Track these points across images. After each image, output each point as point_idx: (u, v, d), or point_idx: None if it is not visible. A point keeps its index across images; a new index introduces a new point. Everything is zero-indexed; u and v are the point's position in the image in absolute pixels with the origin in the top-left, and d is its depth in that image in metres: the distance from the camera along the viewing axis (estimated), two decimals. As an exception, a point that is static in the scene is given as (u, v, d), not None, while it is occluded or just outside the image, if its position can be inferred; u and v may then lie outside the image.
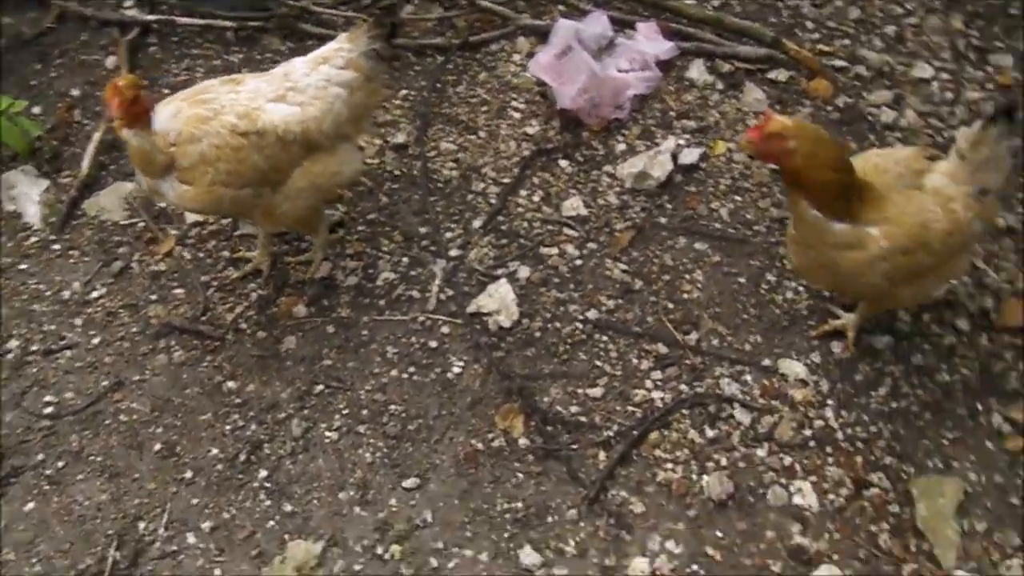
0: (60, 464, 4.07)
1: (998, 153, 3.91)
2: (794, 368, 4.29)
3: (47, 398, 4.23)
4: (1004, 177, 4.01)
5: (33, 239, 4.73)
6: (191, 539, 3.91)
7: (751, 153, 4.13)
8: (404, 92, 5.22)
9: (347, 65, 4.14)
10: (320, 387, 4.26)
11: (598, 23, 5.26)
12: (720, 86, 5.18)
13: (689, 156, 4.87)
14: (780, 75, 5.21)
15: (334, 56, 4.16)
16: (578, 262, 4.58)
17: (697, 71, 5.21)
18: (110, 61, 5.34)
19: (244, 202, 4.09)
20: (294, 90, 4.10)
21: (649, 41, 5.24)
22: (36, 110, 5.15)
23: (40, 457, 4.08)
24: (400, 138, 5.01)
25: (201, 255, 4.67)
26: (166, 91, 5.09)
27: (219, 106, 3.97)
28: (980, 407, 4.22)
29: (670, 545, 3.87)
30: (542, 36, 5.30)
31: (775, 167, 4.15)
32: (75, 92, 5.25)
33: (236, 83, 4.11)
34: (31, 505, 3.99)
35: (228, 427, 4.16)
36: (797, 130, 3.70)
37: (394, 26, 4.24)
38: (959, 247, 3.99)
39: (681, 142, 4.94)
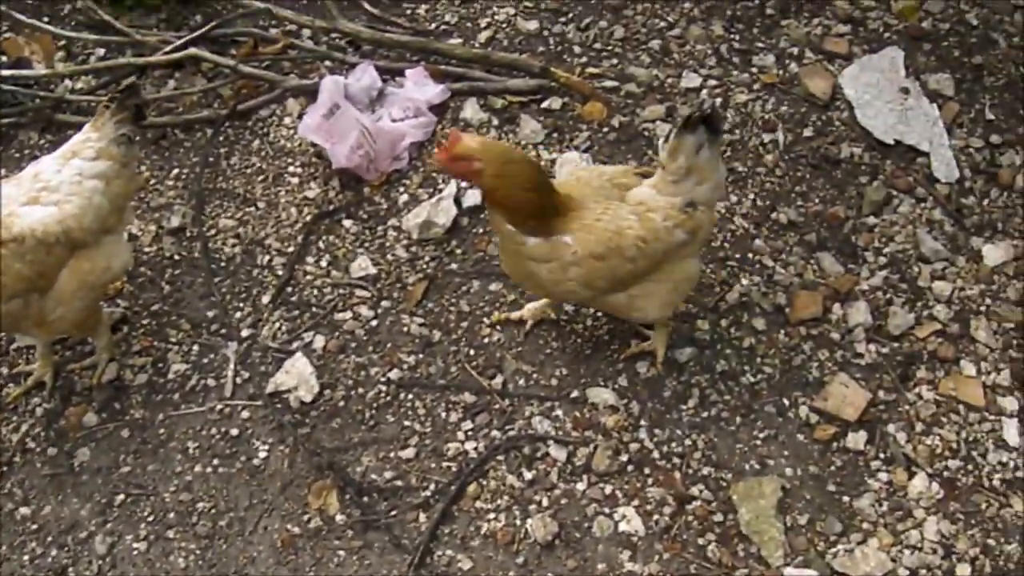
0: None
1: (699, 164, 3.90)
2: (603, 395, 4.30)
3: None
4: (714, 189, 4.01)
5: None
6: None
7: (442, 169, 4.08)
8: (176, 171, 5.06)
9: (98, 155, 3.98)
10: (121, 497, 4.07)
11: (366, 75, 5.20)
12: (496, 122, 5.18)
13: (472, 198, 4.84)
14: (554, 103, 5.24)
15: (82, 148, 4.00)
16: (374, 323, 4.50)
17: (471, 110, 5.20)
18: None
19: (14, 314, 3.88)
20: (47, 190, 3.91)
21: (419, 87, 5.20)
22: None
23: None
24: (175, 221, 4.84)
25: (-22, 376, 4.42)
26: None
27: None
28: (787, 402, 4.31)
29: (504, 600, 3.82)
30: (311, 95, 5.21)
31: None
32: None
33: None
34: None
35: (26, 558, 3.94)
36: (483, 151, 3.69)
37: (138, 107, 4.10)
38: (659, 257, 3.97)
39: (463, 185, 4.91)
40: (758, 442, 4.21)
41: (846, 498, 4.05)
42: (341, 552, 3.94)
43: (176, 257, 4.71)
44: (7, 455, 4.17)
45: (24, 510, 4.04)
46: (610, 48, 5.52)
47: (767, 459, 4.16)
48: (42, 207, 3.86)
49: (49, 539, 3.97)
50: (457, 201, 4.82)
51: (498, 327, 4.47)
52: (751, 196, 4.92)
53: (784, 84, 5.34)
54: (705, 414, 4.28)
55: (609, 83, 5.34)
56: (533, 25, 5.57)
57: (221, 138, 5.17)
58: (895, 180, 4.94)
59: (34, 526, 4.00)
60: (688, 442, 4.20)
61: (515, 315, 4.50)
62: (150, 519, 4.01)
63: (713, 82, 5.37)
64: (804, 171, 4.98)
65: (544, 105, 5.24)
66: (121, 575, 3.89)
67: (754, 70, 5.42)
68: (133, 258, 4.27)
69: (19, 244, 3.78)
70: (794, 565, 3.91)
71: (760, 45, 5.55)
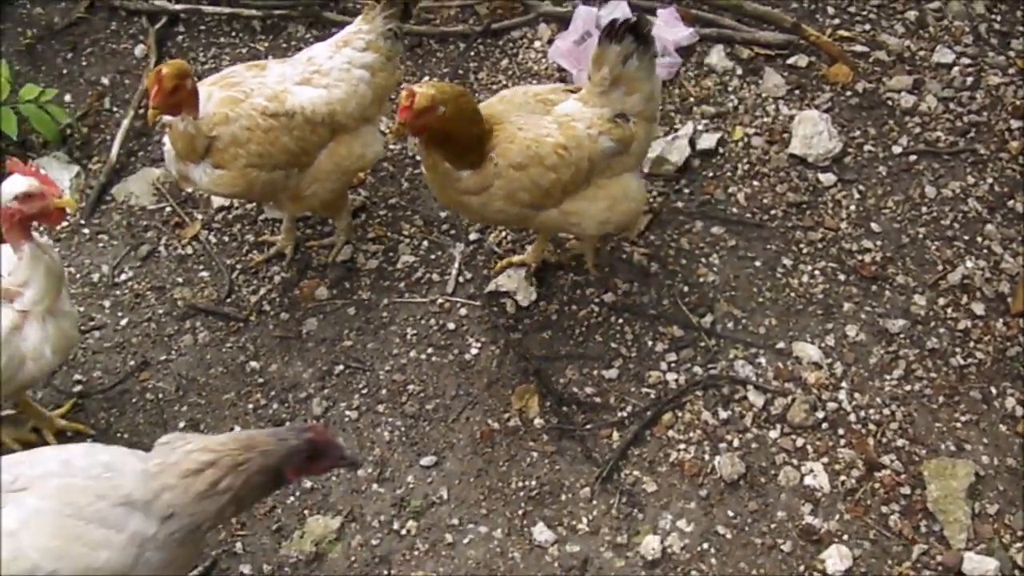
0: (89, 441, 4.20)
1: (626, 74, 3.83)
2: (808, 351, 4.33)
3: (76, 377, 4.37)
4: (647, 101, 3.95)
5: (63, 223, 4.85)
6: (214, 514, 4.02)
7: (406, 134, 3.98)
8: (426, 79, 5.29)
9: (367, 47, 4.23)
10: (340, 367, 4.36)
11: (618, 9, 5.30)
12: (739, 72, 5.21)
13: (707, 141, 4.92)
14: (800, 61, 5.23)
15: (354, 39, 4.25)
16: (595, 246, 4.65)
17: (717, 57, 5.24)
18: (139, 50, 5.45)
19: (274, 185, 4.19)
20: (319, 73, 4.19)
21: (669, 27, 5.27)
22: (67, 98, 5.27)
23: (69, 435, 4.20)
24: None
25: (226, 239, 4.78)
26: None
27: (248, 89, 4.07)
28: (994, 391, 4.24)
29: (681, 524, 3.93)
30: (563, 22, 5.36)
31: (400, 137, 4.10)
32: (105, 81, 5.37)
33: (261, 68, 4.21)
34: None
35: (251, 405, 4.27)
36: (443, 96, 3.67)
37: (406, 5, 4.31)
38: (584, 166, 3.91)
39: (699, 127, 4.98)
40: (958, 425, 4.16)
41: (1041, 497, 3.99)
42: (534, 453, 4.12)
43: (417, 158, 4.95)
44: (244, 313, 4.52)
45: (254, 364, 4.39)
46: (864, 13, 5.45)
47: (964, 443, 4.11)
48: (312, 88, 4.15)
49: (272, 393, 4.30)
50: (692, 142, 4.89)
51: (508, 273, 4.51)
52: (989, 181, 4.82)
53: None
54: (908, 388, 4.25)
55: (859, 48, 5.30)
56: (790, -19, 5.56)
57: (472, 53, 5.38)
58: None
59: (260, 380, 4.34)
60: (887, 411, 4.19)
61: (516, 259, 4.52)
62: (364, 391, 4.29)
63: (966, 60, 5.26)
64: (1050, 164, 4.85)
65: (790, 61, 5.24)
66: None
67: (1012, 53, 5.28)
68: (384, 151, 4.51)
69: (289, 119, 4.07)
70: (976, 551, 3.87)
71: (1021, 29, 5.38)
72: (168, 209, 4.89)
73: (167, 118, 3.99)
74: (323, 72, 4.18)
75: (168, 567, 3.01)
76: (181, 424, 4.22)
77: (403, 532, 3.95)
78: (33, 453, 3.11)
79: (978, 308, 4.44)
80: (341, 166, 4.25)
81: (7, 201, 3.47)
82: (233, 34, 5.52)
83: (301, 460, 2.99)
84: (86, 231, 4.84)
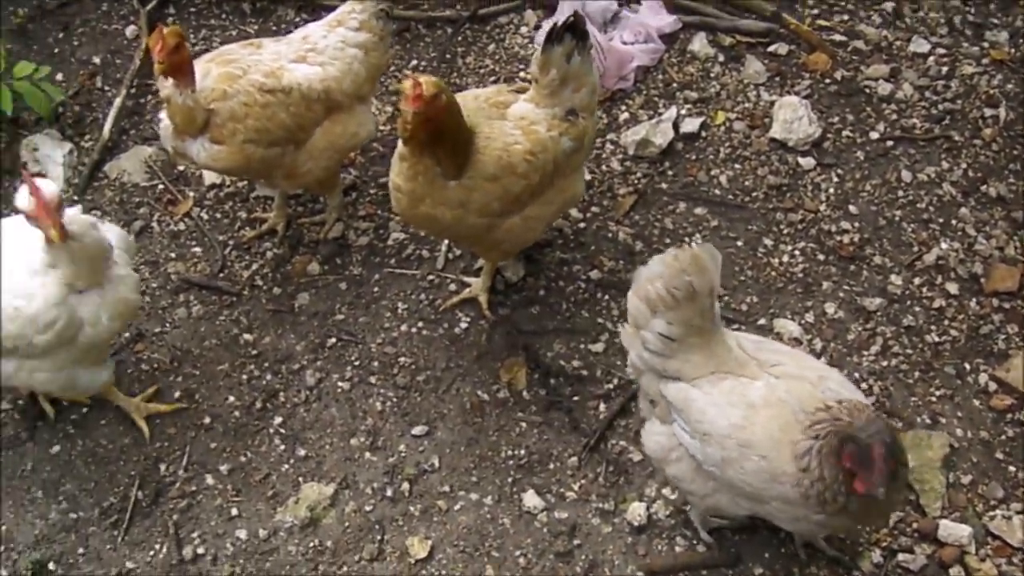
0: (84, 409, 4.26)
1: (572, 71, 3.95)
2: (788, 327, 4.45)
3: (72, 348, 4.42)
4: (592, 93, 4.07)
5: (57, 199, 4.91)
6: (209, 480, 4.11)
7: (419, 122, 3.66)
8: (414, 63, 5.39)
9: (360, 27, 4.33)
10: (333, 340, 4.45)
11: (603, -6, 5.42)
12: (721, 59, 5.33)
13: (690, 125, 5.04)
14: (780, 49, 5.36)
15: (347, 19, 4.34)
16: (582, 225, 4.75)
17: (699, 44, 5.36)
18: (130, 31, 5.51)
19: (270, 161, 4.27)
20: (314, 51, 4.28)
21: (653, 13, 5.39)
22: (59, 77, 5.32)
23: (64, 403, 4.27)
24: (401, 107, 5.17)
25: (218, 216, 4.86)
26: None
27: (245, 66, 4.15)
28: (968, 367, 4.38)
29: (666, 491, 4.05)
30: (549, 9, 5.46)
31: (413, 132, 3.71)
32: (96, 60, 5.42)
33: (256, 46, 4.29)
34: (57, 448, 4.19)
35: (244, 376, 4.35)
36: (440, 84, 3.68)
37: None
38: (550, 168, 4.02)
39: (683, 112, 5.10)
40: (933, 399, 4.29)
41: (1012, 468, 4.11)
42: (523, 424, 4.23)
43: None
44: (237, 287, 4.60)
45: (247, 336, 4.47)
46: (843, 4, 5.59)
47: (939, 416, 4.25)
48: (308, 66, 4.23)
49: (266, 365, 4.38)
50: (675, 125, 5.02)
51: (443, 308, 4.53)
52: (963, 166, 4.96)
53: (1014, 63, 5.33)
54: (885, 363, 4.38)
55: (838, 37, 5.43)
56: (770, -28, 5.68)
57: (459, 38, 5.48)
58: (1116, 170, 4.91)
59: (254, 351, 4.42)
60: (864, 386, 4.31)
61: (465, 294, 4.51)
62: (356, 363, 4.38)
63: (941, 51, 5.40)
64: (1022, 151, 4.98)
65: (771, 49, 5.37)
66: (324, 406, 4.27)
67: (985, 45, 5.43)
68: (376, 130, 4.60)
69: (286, 95, 4.16)
70: (950, 519, 4.00)
71: (995, 21, 5.54)
72: (160, 186, 4.96)
73: (165, 92, 4.06)
74: (318, 50, 4.27)
75: None
76: (176, 394, 4.29)
77: (396, 498, 4.04)
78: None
79: (952, 288, 4.57)
80: (335, 144, 4.33)
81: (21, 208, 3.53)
82: (223, 16, 5.59)
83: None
84: (79, 207, 4.88)
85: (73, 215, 3.62)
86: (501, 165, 3.90)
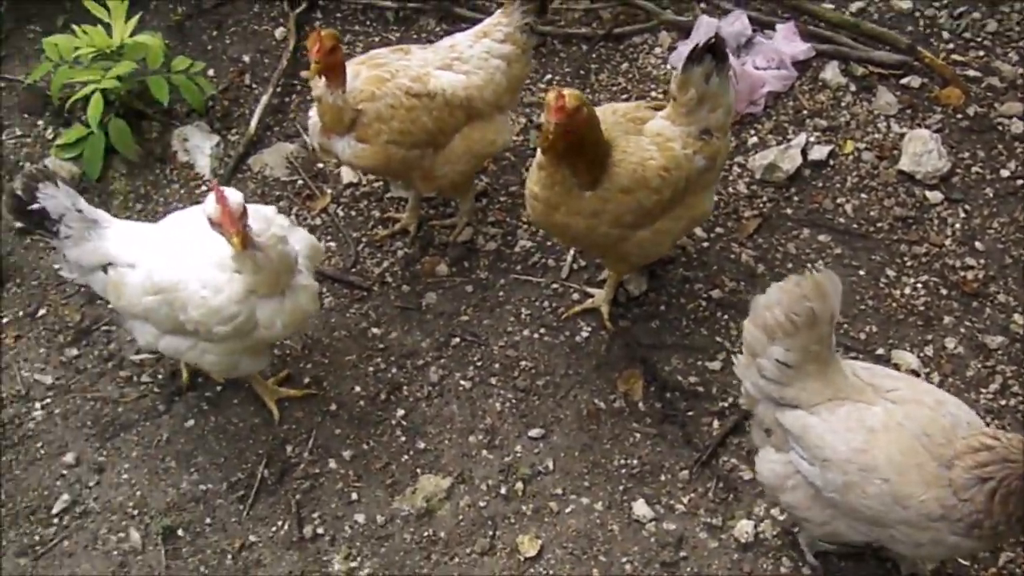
0: (219, 388, 4.48)
1: (709, 92, 4.02)
2: (907, 359, 4.46)
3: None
4: (727, 115, 4.14)
5: (203, 188, 5.17)
6: (332, 464, 4.29)
7: (559, 133, 3.77)
8: (549, 77, 5.52)
9: (505, 39, 4.48)
10: (457, 340, 4.60)
11: (739, 21, 5.49)
12: (853, 88, 5.36)
13: (818, 152, 5.08)
14: (913, 81, 5.36)
15: (493, 31, 4.50)
16: (705, 244, 4.83)
17: (831, 72, 5.40)
18: (279, 32, 5.76)
19: (410, 162, 4.44)
20: (459, 60, 4.45)
21: (786, 41, 5.44)
22: (210, 73, 5.58)
23: (200, 380, 4.49)
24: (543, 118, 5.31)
25: (353, 213, 5.05)
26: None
27: (394, 70, 4.33)
28: (1087, 411, 4.34)
29: (775, 512, 4.09)
30: (683, 31, 5.56)
31: (553, 143, 3.83)
32: (246, 58, 5.68)
33: (404, 52, 4.47)
34: (191, 422, 4.42)
35: (371, 368, 4.53)
36: (582, 99, 3.78)
37: (543, 1, 4.52)
38: (682, 185, 4.08)
39: (811, 139, 5.14)
40: (1051, 441, 4.26)
41: None
42: (637, 434, 4.32)
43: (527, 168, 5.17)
44: (368, 283, 4.78)
45: (375, 330, 4.65)
46: (979, 39, 5.57)
47: (1056, 460, 4.21)
48: (453, 73, 4.40)
49: (392, 359, 4.55)
50: (803, 152, 5.06)
51: (565, 316, 4.64)
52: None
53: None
54: (1004, 402, 4.37)
55: (972, 72, 5.41)
56: (906, 4, 5.69)
57: (594, 55, 5.60)
58: None
59: (381, 345, 4.60)
60: (981, 423, 4.29)
61: (588, 304, 4.61)
62: (478, 363, 4.53)
63: (1079, 92, 5.34)
64: None
65: (903, 81, 5.38)
66: (446, 403, 4.42)
67: (1122, 87, 5.35)
68: (512, 140, 4.75)
69: (431, 99, 4.33)
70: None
71: None
72: (300, 182, 5.17)
73: (317, 91, 4.26)
74: (463, 59, 4.43)
75: None
76: (306, 380, 4.49)
77: (509, 497, 4.17)
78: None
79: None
80: (472, 150, 4.49)
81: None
82: (367, 23, 5.80)
83: None
84: (275, 210, 5.11)
85: (262, 228, 3.78)
86: (636, 179, 4.01)
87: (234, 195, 3.63)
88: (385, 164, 4.39)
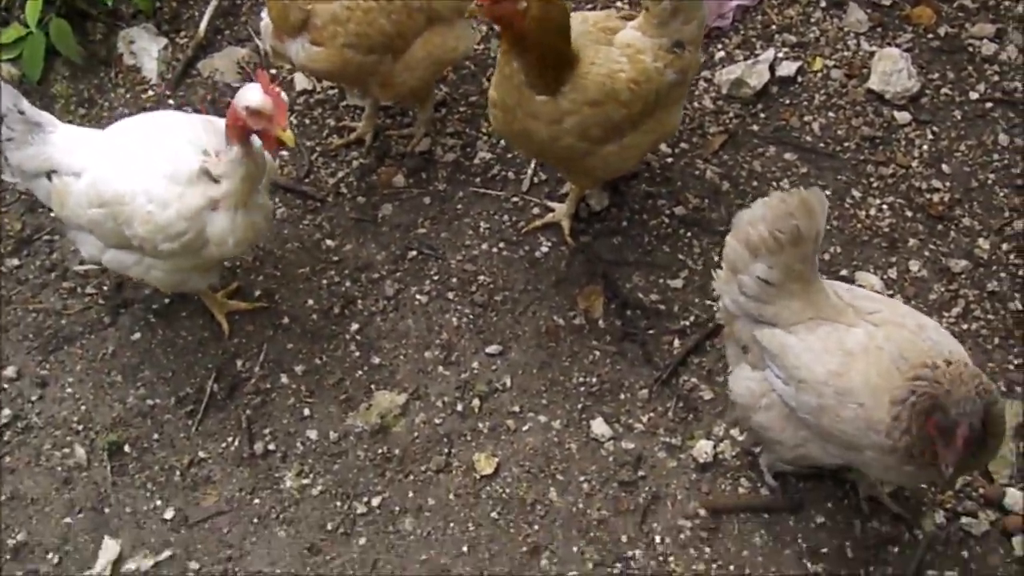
0: (167, 301, 4.34)
1: (683, 3, 3.89)
2: (870, 281, 4.40)
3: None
4: (699, 27, 4.02)
5: (150, 93, 4.97)
6: (284, 379, 4.18)
7: (482, 15, 3.78)
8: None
9: None
10: (413, 253, 4.48)
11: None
12: (823, 4, 5.22)
13: (786, 69, 4.96)
14: (885, -1, 5.25)
15: None
16: (669, 160, 4.71)
17: (802, -13, 5.26)
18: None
19: (368, 68, 4.26)
20: None
21: (757, -47, 5.29)
22: (158, -30, 5.34)
23: (147, 292, 4.34)
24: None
25: (307, 121, 4.88)
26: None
27: None
28: (1050, 338, 4.32)
29: (734, 432, 4.05)
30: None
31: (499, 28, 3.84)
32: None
33: None
34: (138, 335, 4.28)
35: (324, 282, 4.41)
36: None
37: None
38: (652, 99, 3.97)
39: (780, 55, 5.02)
40: (1010, 367, 4.24)
41: (1087, 442, 4.07)
42: (596, 352, 4.24)
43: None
44: (322, 194, 4.63)
45: (329, 242, 4.51)
46: (953, -42, 5.44)
47: (1015, 385, 4.19)
48: None
49: (346, 272, 4.43)
50: (771, 68, 4.94)
51: (525, 231, 4.53)
52: (1061, 132, 4.85)
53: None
54: (965, 327, 4.33)
55: (945, -8, 5.30)
56: (879, -80, 5.54)
57: (559, -37, 5.41)
58: None
59: (335, 258, 4.46)
60: (942, 346, 4.26)
61: (548, 218, 4.49)
62: (435, 278, 4.41)
63: (1051, 13, 5.25)
64: None
65: (875, -1, 5.25)
66: (401, 317, 4.32)
67: (1097, 11, 5.27)
68: (473, 47, 4.58)
69: (388, 2, 4.14)
70: (1018, 488, 3.96)
71: (1110, -13, 5.37)
72: (251, 88, 4.97)
73: None
74: None
75: None
76: (257, 292, 4.35)
77: (465, 414, 4.09)
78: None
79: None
80: (433, 55, 4.32)
81: (239, 107, 3.57)
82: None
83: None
84: (171, 103, 4.94)
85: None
86: (605, 91, 3.88)
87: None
88: (341, 69, 4.21)
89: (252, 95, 3.51)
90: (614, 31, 3.99)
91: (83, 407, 4.13)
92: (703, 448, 4.01)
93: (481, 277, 4.41)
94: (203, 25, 5.12)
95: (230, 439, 4.06)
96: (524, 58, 3.80)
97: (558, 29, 3.79)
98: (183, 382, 4.17)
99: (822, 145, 4.79)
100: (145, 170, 3.72)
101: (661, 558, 3.85)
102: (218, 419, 4.10)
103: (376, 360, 4.21)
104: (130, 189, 3.70)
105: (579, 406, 4.12)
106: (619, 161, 4.13)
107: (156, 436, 4.06)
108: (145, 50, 5.06)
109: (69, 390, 4.16)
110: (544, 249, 4.47)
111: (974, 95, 4.96)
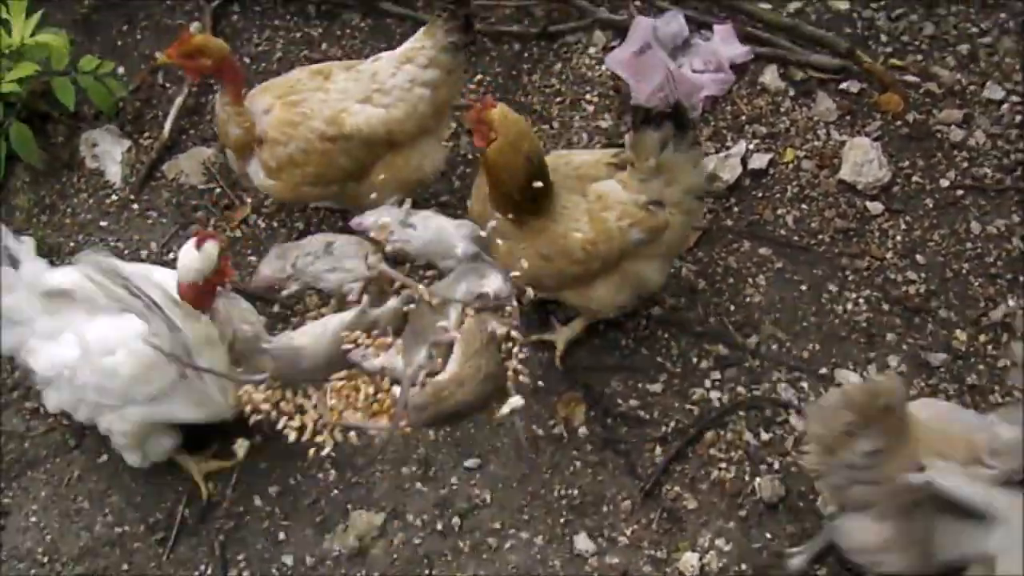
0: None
1: (666, 162, 3.79)
2: (850, 378, 4.37)
3: (123, 355, 4.36)
4: (686, 192, 3.92)
5: (113, 197, 4.88)
6: (257, 502, 4.07)
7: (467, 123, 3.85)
8: (479, 77, 5.30)
9: (429, 63, 4.21)
10: (387, 363, 4.37)
11: (675, 21, 5.31)
12: (792, 93, 5.23)
13: (758, 161, 4.94)
14: (852, 86, 5.24)
15: (417, 55, 4.22)
16: (644, 259, 4.66)
17: (770, 76, 5.26)
18: (194, 27, 5.41)
19: (328, 196, 4.27)
20: (380, 92, 4.19)
21: (725, 43, 5.28)
22: (120, 70, 5.24)
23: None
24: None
25: (275, 224, 4.79)
26: (246, 59, 5.22)
27: (308, 110, 4.10)
28: (1030, 429, 4.28)
29: (720, 543, 3.98)
30: (618, 31, 5.36)
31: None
32: (158, 55, 5.34)
33: (324, 77, 4.21)
34: (104, 458, 4.15)
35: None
36: (502, 124, 3.60)
37: (468, 18, 4.25)
38: (613, 256, 3.90)
39: (751, 147, 5.01)
40: (993, 462, 4.20)
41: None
42: (578, 463, 4.16)
43: (469, 156, 4.95)
44: (293, 301, 4.51)
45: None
46: (917, 43, 5.46)
47: (998, 479, 4.15)
48: (372, 107, 4.15)
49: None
50: (743, 161, 4.92)
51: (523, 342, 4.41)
52: (1033, 219, 4.87)
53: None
54: (946, 422, 4.29)
55: (911, 78, 5.31)
56: (844, 6, 5.55)
57: (527, 55, 5.38)
58: None
59: (308, 370, 4.36)
60: (924, 444, 4.22)
61: (547, 336, 4.42)
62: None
63: (1016, 99, 5.27)
64: (1095, 209, 4.89)
65: (843, 86, 5.25)
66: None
67: (1062, 95, 5.30)
68: (445, 161, 4.53)
69: (347, 141, 4.10)
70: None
71: (1073, 71, 5.42)
72: (218, 190, 4.89)
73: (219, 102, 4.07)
74: (385, 90, 4.18)
75: None
76: (227, 409, 4.24)
77: (446, 533, 3.99)
78: None
79: (1020, 348, 4.48)
80: (398, 177, 4.26)
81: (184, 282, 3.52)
82: (288, 17, 5.50)
83: None
84: (135, 207, 4.85)
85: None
86: (556, 249, 3.84)
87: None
88: (299, 199, 4.18)
89: (190, 261, 3.43)
90: (594, 180, 3.90)
91: (48, 537, 3.99)
92: (689, 561, 3.93)
93: (458, 388, 4.31)
94: (167, 126, 5.04)
95: (203, 566, 3.93)
96: (491, 182, 3.77)
97: (518, 178, 3.71)
98: (153, 507, 4.04)
99: (796, 238, 4.77)
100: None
101: None
102: (190, 545, 3.97)
103: (352, 479, 4.10)
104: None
105: (561, 520, 4.03)
106: (598, 304, 4.09)
107: (126, 567, 3.93)
108: (108, 153, 4.97)
109: (33, 519, 4.03)
110: (520, 357, 4.38)
111: (944, 182, 4.97)
